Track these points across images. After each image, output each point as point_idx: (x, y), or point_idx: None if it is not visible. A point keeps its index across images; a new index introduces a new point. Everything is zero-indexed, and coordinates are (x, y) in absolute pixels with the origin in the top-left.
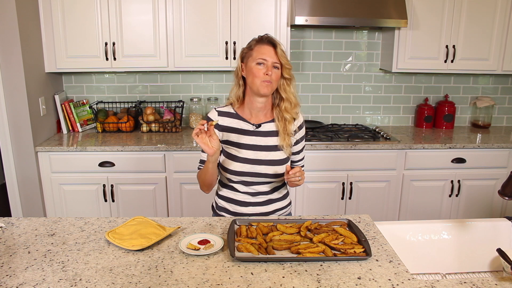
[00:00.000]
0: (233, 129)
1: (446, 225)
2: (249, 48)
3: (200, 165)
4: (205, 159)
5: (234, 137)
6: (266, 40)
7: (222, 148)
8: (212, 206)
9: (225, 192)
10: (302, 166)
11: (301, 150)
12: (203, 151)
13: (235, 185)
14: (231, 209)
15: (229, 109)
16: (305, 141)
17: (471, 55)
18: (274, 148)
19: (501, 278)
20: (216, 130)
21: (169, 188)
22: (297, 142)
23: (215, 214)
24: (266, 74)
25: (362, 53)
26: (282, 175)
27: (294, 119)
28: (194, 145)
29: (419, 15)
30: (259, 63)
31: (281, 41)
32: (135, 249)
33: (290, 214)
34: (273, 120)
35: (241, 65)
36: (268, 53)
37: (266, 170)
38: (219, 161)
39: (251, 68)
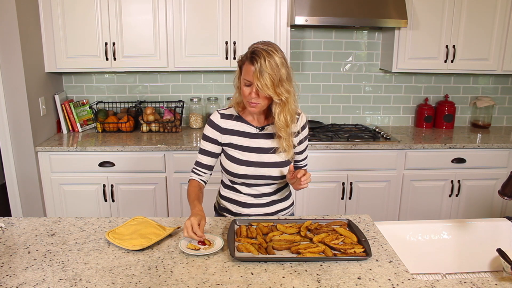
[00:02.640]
0: (236, 132)
1: (446, 225)
2: (242, 61)
3: (195, 168)
4: (203, 162)
5: (237, 140)
6: (250, 58)
7: (225, 150)
8: (214, 206)
9: (227, 193)
10: (305, 165)
11: (304, 150)
12: (200, 153)
13: (238, 187)
14: (234, 210)
15: (231, 111)
16: None
17: (471, 55)
18: (276, 149)
19: (501, 278)
20: (217, 133)
21: (169, 188)
22: (300, 142)
23: (218, 214)
24: (251, 94)
25: (362, 53)
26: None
27: (287, 137)
28: (194, 145)
29: (419, 15)
30: (245, 84)
31: (281, 41)
32: (135, 249)
33: (292, 214)
34: None
35: (239, 74)
36: (251, 75)
37: (269, 172)
38: (221, 163)
39: (241, 86)
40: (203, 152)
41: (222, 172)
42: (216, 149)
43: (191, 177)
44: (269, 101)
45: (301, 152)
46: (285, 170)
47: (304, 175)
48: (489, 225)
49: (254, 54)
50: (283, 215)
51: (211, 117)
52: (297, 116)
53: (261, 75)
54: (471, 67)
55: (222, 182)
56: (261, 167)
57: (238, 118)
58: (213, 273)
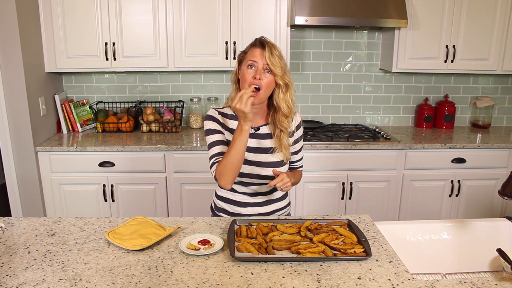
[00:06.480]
0: (233, 131)
1: (446, 225)
2: (244, 52)
3: (218, 158)
4: (221, 151)
5: None
6: (259, 43)
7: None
8: (211, 207)
9: (223, 192)
10: (300, 166)
11: (299, 150)
12: (214, 145)
13: (234, 186)
14: (230, 210)
15: (227, 110)
16: (305, 141)
17: (471, 55)
18: (273, 150)
19: (501, 278)
20: (219, 125)
21: (169, 188)
22: (295, 142)
23: (214, 215)
24: (254, 78)
25: (362, 53)
26: None
27: (288, 127)
28: (194, 145)
29: (419, 15)
30: (249, 66)
31: (281, 41)
32: (135, 249)
33: (289, 214)
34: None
35: (238, 69)
36: (258, 55)
37: (266, 172)
38: None
39: (243, 72)
40: (215, 143)
41: None
42: (225, 137)
43: (215, 167)
44: (269, 91)
45: (296, 153)
46: (283, 170)
47: (282, 180)
48: (489, 225)
49: (263, 39)
50: (279, 215)
51: (209, 113)
52: (292, 116)
53: (271, 54)
54: (471, 67)
55: None
56: (257, 167)
57: (234, 117)
58: (213, 273)
